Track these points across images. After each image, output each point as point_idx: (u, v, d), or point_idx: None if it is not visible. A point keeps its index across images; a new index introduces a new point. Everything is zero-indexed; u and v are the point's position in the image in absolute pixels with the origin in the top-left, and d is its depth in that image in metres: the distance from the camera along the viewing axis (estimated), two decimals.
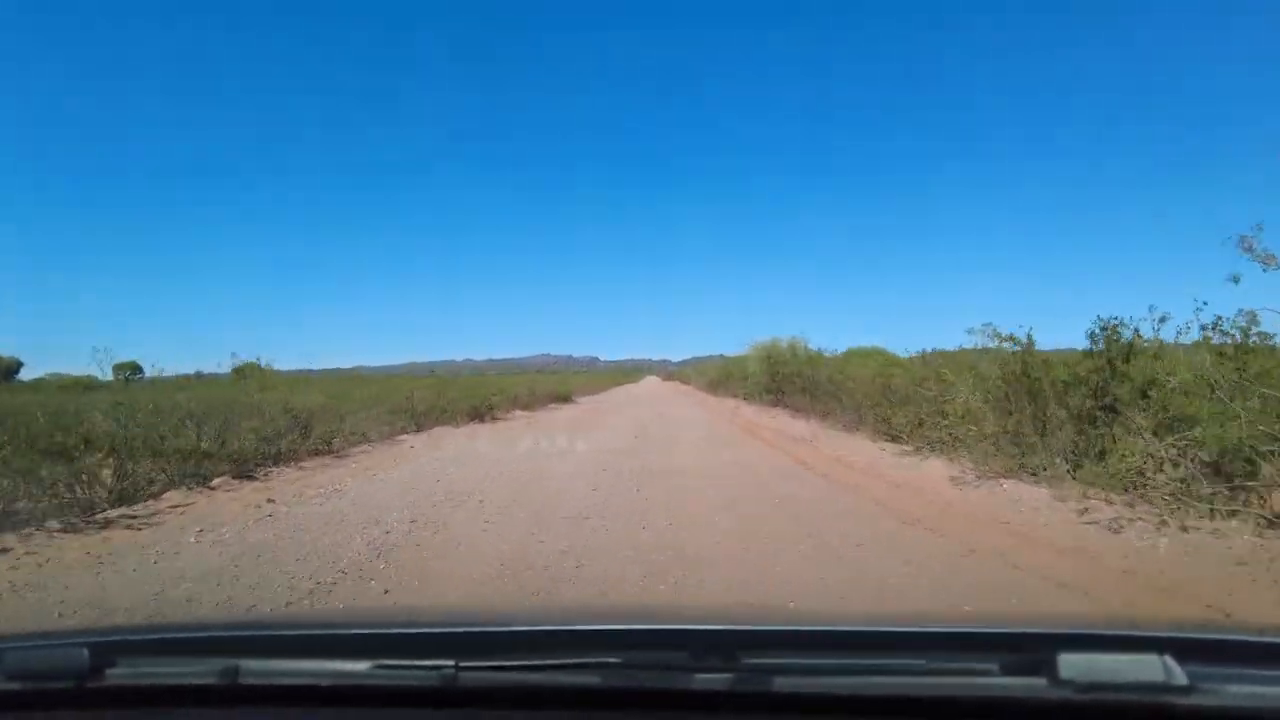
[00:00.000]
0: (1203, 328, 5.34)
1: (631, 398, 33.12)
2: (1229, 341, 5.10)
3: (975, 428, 7.16)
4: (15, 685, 1.03)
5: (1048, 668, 0.85)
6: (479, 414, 17.11)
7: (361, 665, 1.00)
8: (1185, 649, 0.85)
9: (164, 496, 6.78)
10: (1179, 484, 4.84)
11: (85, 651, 1.02)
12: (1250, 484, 4.60)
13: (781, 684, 0.92)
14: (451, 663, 0.96)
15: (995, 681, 0.88)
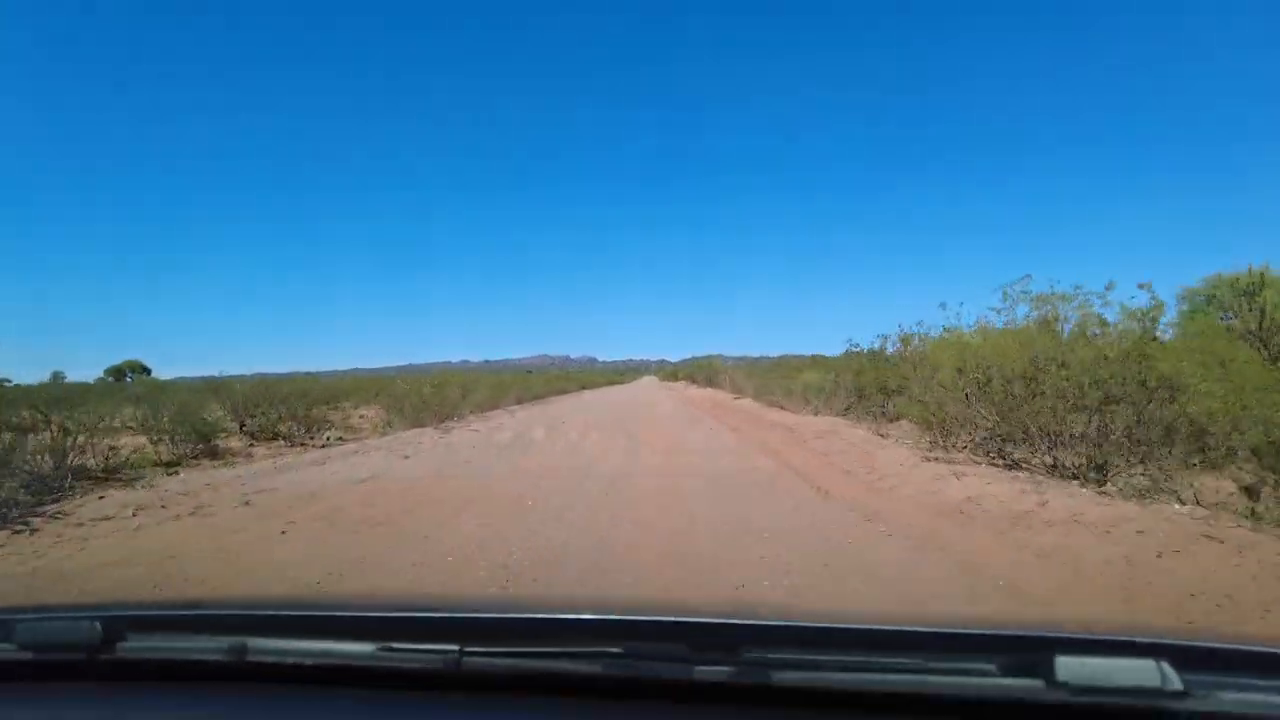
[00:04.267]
0: None
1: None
2: None
3: None
4: (28, 655, 1.04)
5: (1045, 670, 0.86)
6: None
7: (367, 647, 1.01)
8: (1181, 655, 0.86)
9: None
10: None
11: (97, 624, 1.04)
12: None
13: (780, 678, 0.93)
14: (456, 647, 0.98)
15: (993, 682, 0.89)
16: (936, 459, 7.85)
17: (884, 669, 0.93)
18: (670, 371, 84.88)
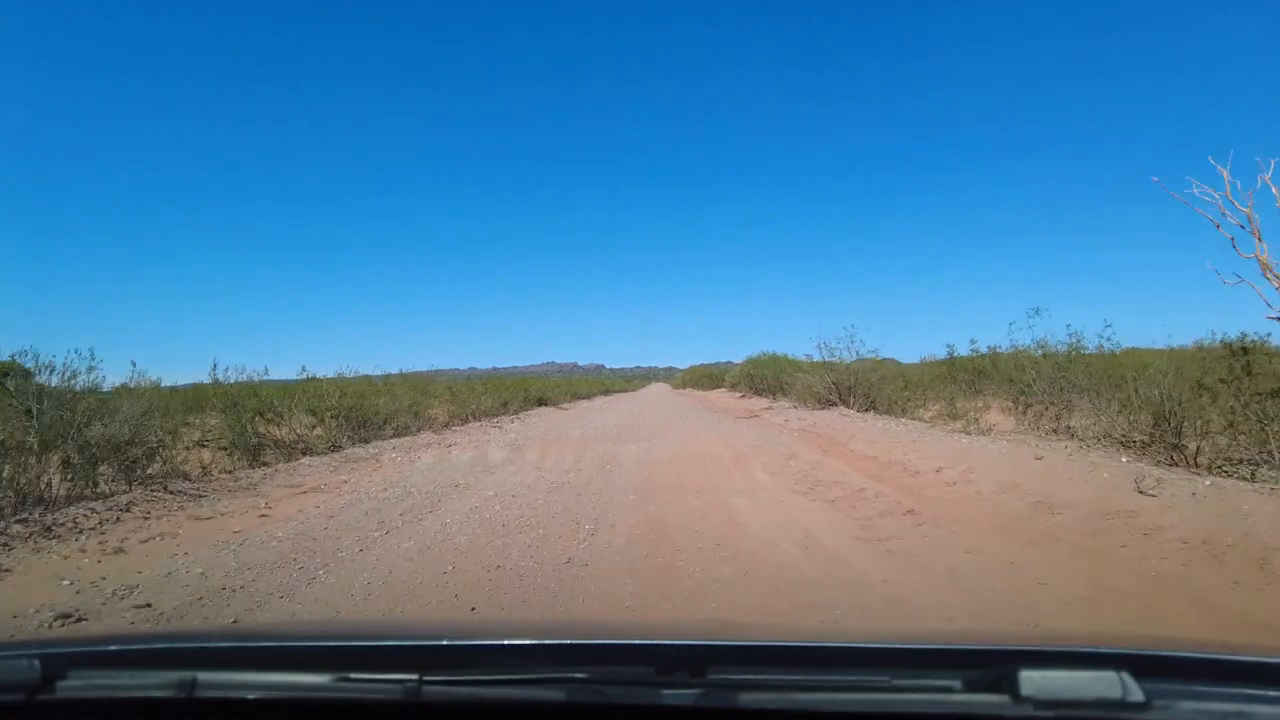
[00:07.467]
0: None
1: None
2: None
3: None
4: None
5: (1009, 684, 0.85)
6: None
7: (323, 678, 0.98)
8: (1141, 665, 0.86)
9: None
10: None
11: (35, 662, 1.00)
12: None
13: (747, 699, 0.91)
14: (415, 676, 0.96)
15: (957, 698, 0.88)
16: None
17: (850, 688, 0.92)
18: (702, 373, 53.03)
